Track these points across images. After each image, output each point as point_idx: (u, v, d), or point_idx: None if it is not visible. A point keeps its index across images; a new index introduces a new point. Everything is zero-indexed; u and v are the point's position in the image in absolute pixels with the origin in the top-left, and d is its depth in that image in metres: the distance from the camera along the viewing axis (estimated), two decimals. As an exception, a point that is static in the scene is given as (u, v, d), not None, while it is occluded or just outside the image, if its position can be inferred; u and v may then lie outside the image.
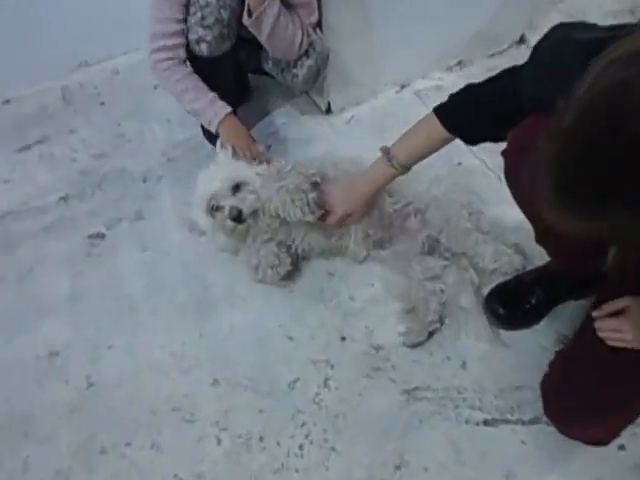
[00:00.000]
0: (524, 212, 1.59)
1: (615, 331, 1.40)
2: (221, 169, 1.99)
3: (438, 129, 1.65)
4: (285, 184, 1.85)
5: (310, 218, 1.86)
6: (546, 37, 1.28)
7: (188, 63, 2.21)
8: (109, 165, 2.66)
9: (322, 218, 1.93)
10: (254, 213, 1.94)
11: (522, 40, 3.05)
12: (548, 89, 1.03)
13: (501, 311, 1.89)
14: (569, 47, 1.17)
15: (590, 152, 0.82)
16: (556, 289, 1.87)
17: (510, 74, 1.47)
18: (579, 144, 0.83)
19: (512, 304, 1.89)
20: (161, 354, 1.97)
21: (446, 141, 1.70)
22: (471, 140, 1.66)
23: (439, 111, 1.66)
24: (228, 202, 1.90)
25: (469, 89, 1.61)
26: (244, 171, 1.98)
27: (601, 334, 1.43)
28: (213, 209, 1.93)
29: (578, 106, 0.82)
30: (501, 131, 1.50)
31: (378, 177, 1.85)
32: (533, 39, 2.91)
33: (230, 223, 1.91)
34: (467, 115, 1.60)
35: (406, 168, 1.80)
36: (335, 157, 2.19)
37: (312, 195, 1.85)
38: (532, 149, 0.91)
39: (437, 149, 1.74)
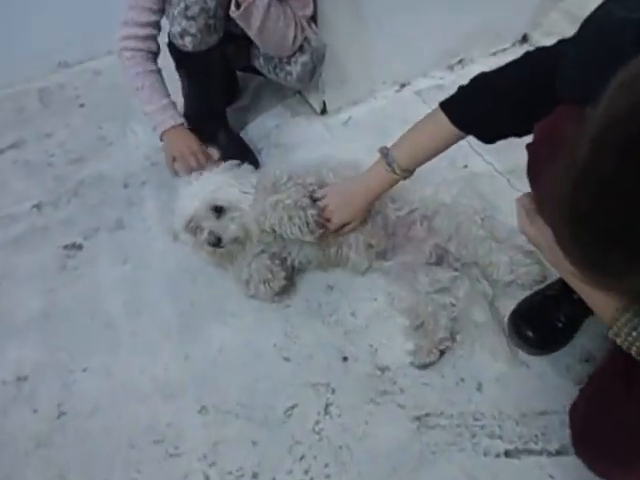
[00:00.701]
0: (545, 216, 1.38)
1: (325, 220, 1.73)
2: (204, 185, 1.85)
3: (445, 127, 1.51)
4: (281, 199, 1.72)
5: (309, 238, 1.76)
6: (593, 14, 1.14)
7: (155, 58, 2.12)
8: (87, 170, 2.56)
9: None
10: (236, 239, 1.84)
11: (525, 39, 2.96)
12: (588, 76, 0.97)
13: (530, 334, 1.71)
14: (616, 28, 1.03)
15: (605, 190, 0.69)
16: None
17: (540, 55, 1.34)
18: (594, 181, 0.70)
19: (541, 325, 1.72)
20: (141, 378, 1.81)
21: (454, 140, 1.56)
22: (487, 137, 1.51)
23: (447, 105, 1.52)
24: (208, 224, 1.80)
25: (482, 77, 1.47)
26: (229, 192, 1.84)
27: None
28: (193, 228, 1.83)
29: (591, 137, 0.69)
30: (523, 124, 1.34)
31: (377, 184, 1.73)
32: (536, 37, 2.92)
33: (209, 248, 1.81)
34: (482, 107, 1.46)
35: (408, 172, 1.67)
36: (332, 162, 2.06)
37: (312, 212, 1.73)
38: (560, 144, 0.75)
39: (443, 150, 1.61)
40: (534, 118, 1.28)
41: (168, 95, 2.11)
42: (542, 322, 1.71)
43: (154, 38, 2.06)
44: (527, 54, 1.39)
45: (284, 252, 1.90)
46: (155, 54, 2.10)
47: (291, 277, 1.98)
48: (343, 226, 1.83)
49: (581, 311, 1.70)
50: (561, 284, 1.74)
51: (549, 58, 1.28)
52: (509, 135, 1.46)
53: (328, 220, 1.80)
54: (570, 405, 1.46)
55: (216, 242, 1.78)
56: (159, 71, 2.12)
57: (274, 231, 1.78)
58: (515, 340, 1.74)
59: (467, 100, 1.48)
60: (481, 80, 1.46)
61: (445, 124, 1.50)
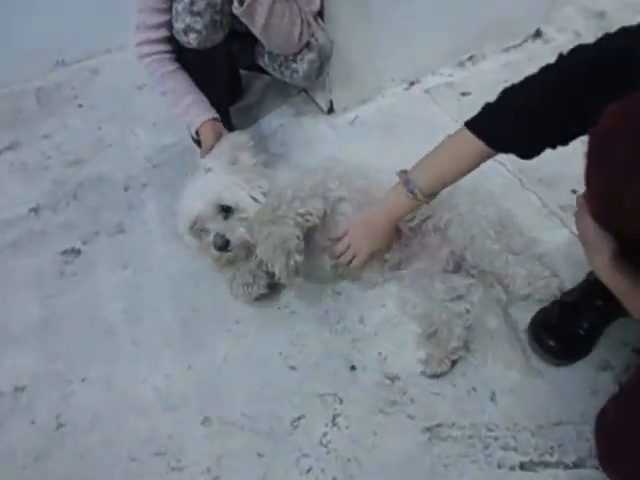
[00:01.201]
0: (603, 211, 1.34)
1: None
2: (210, 184, 1.81)
3: (472, 146, 1.45)
4: (273, 232, 1.70)
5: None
6: None
7: (173, 58, 2.10)
8: (86, 172, 2.55)
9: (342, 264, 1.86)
10: (244, 243, 1.80)
11: (538, 34, 2.92)
12: None
13: (552, 344, 1.68)
14: None
15: None
16: (608, 305, 1.64)
17: (579, 55, 1.29)
18: None
19: (563, 333, 1.68)
20: (142, 388, 1.79)
21: (482, 160, 1.49)
22: (525, 152, 1.44)
23: (475, 124, 1.45)
24: (215, 227, 1.76)
25: (510, 91, 1.39)
26: (237, 193, 1.80)
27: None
28: (198, 231, 1.79)
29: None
30: (565, 131, 1.32)
31: (398, 210, 1.69)
32: (550, 33, 2.90)
33: (215, 252, 1.77)
34: (514, 122, 1.38)
35: (431, 197, 1.62)
36: (338, 169, 2.00)
37: (297, 259, 1.71)
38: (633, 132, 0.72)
39: (468, 171, 1.55)
40: (576, 124, 1.25)
41: (192, 92, 2.09)
42: (564, 331, 1.68)
43: (168, 39, 2.05)
44: (562, 57, 1.33)
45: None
46: (172, 53, 2.09)
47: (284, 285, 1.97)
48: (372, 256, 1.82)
49: (603, 318, 1.68)
50: (581, 291, 1.72)
51: (591, 56, 1.24)
52: (548, 147, 1.39)
53: (355, 255, 1.79)
54: (598, 412, 1.43)
55: (224, 245, 1.74)
56: (179, 69, 2.10)
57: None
58: (537, 350, 1.71)
59: (496, 116, 1.42)
60: (509, 94, 1.40)
61: (472, 143, 1.44)
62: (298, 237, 1.72)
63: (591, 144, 1.23)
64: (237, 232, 1.75)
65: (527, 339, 1.74)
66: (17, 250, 2.24)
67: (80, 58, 3.17)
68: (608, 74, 1.20)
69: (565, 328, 1.68)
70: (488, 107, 1.43)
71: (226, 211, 1.76)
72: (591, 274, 1.72)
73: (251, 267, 1.82)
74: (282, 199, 1.75)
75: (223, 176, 1.81)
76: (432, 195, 1.61)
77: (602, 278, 1.30)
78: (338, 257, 1.82)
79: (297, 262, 1.71)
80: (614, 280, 1.27)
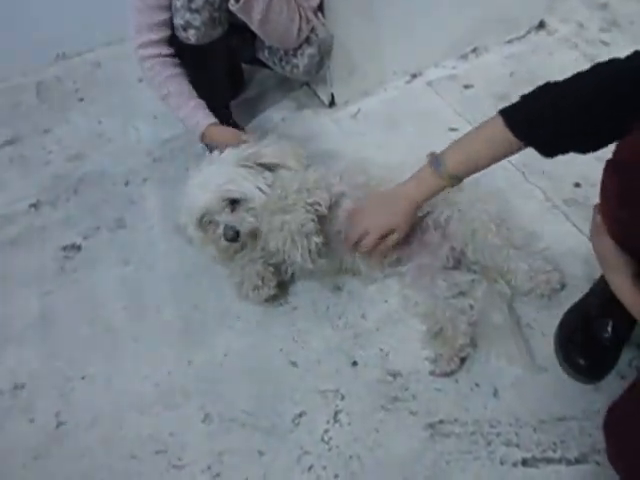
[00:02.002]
0: (622, 235, 1.33)
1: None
2: (216, 176, 1.80)
3: (505, 135, 1.41)
4: (287, 220, 1.69)
5: (309, 266, 1.75)
6: None
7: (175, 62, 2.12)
8: (87, 167, 2.55)
9: (350, 243, 1.79)
10: (252, 232, 1.82)
11: (541, 25, 2.92)
12: None
13: (582, 362, 1.65)
14: None
15: None
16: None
17: (618, 65, 1.25)
18: None
19: (589, 348, 1.66)
20: (143, 386, 1.79)
21: (513, 150, 1.45)
22: (549, 152, 1.41)
23: (508, 114, 1.42)
24: (224, 219, 1.77)
25: (550, 87, 1.36)
26: (243, 184, 1.80)
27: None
28: (206, 223, 1.80)
29: None
30: (594, 140, 1.29)
31: (419, 190, 1.63)
32: (553, 24, 2.90)
33: (224, 243, 1.79)
34: (548, 122, 1.35)
35: (457, 179, 1.57)
36: (340, 166, 2.01)
37: (316, 240, 1.71)
38: None
39: (499, 159, 1.50)
40: (607, 134, 1.23)
41: (194, 96, 2.12)
42: (590, 344, 1.66)
43: (169, 39, 2.05)
44: (598, 65, 1.29)
45: (285, 264, 1.89)
46: (174, 55, 2.09)
47: (292, 280, 1.98)
48: (385, 238, 1.73)
49: (628, 326, 1.66)
50: (602, 300, 1.67)
51: (629, 68, 1.22)
52: (573, 151, 1.35)
53: (367, 232, 1.73)
54: (608, 408, 1.43)
55: (234, 237, 1.76)
56: (182, 73, 2.11)
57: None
58: (567, 370, 1.68)
59: (531, 112, 1.39)
60: (548, 91, 1.36)
61: (503, 131, 1.41)
62: (313, 220, 1.71)
63: (610, 176, 1.22)
64: (245, 222, 1.77)
65: (556, 358, 1.71)
66: (17, 246, 2.24)
67: (81, 51, 3.17)
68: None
69: (590, 340, 1.66)
70: (524, 99, 1.41)
71: (233, 203, 1.77)
72: (602, 280, 1.69)
73: (258, 269, 1.82)
74: (289, 190, 1.75)
75: (227, 168, 1.81)
76: (458, 178, 1.57)
77: (622, 299, 1.30)
78: (349, 240, 1.77)
79: (317, 244, 1.71)
80: (635, 301, 1.26)
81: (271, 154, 1.86)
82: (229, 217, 1.76)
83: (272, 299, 1.90)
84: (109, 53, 3.15)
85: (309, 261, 1.72)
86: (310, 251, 1.70)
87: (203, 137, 2.11)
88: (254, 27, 2.02)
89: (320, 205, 1.75)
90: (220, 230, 1.76)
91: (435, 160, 1.56)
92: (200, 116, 2.09)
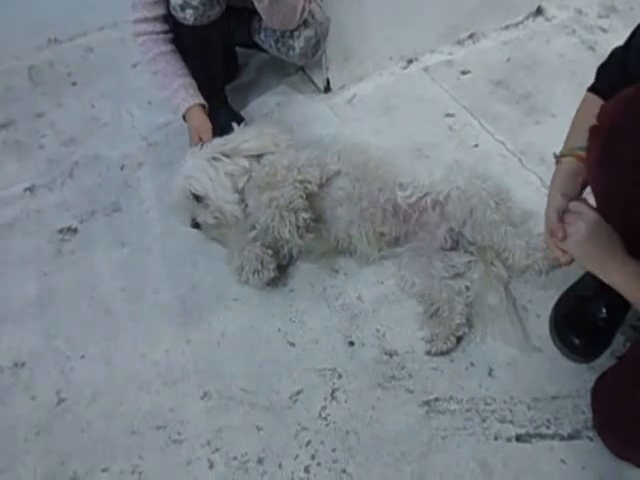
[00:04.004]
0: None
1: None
2: (186, 170, 1.98)
3: (598, 105, 1.36)
4: (275, 197, 1.78)
5: (299, 241, 1.85)
6: None
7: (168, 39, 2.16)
8: (81, 152, 2.57)
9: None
10: (213, 225, 1.99)
11: (539, 11, 2.96)
12: None
13: (576, 341, 1.70)
14: None
15: None
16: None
17: None
18: None
19: (583, 328, 1.71)
20: (142, 364, 1.84)
21: None
22: None
23: (594, 85, 1.48)
24: (191, 209, 1.99)
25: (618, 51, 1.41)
26: (200, 179, 1.94)
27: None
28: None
29: None
30: None
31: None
32: (551, 10, 2.94)
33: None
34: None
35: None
36: (337, 144, 2.07)
37: (304, 216, 1.80)
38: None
39: None
40: None
41: (182, 75, 2.17)
42: (584, 324, 1.70)
43: (164, 17, 2.09)
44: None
45: (279, 243, 1.94)
46: (167, 32, 2.13)
47: (290, 262, 2.03)
48: None
49: (623, 307, 1.70)
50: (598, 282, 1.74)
51: None
52: None
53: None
54: (596, 379, 1.52)
55: (195, 226, 1.99)
56: (172, 51, 2.16)
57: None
58: (562, 349, 1.73)
59: (608, 76, 1.42)
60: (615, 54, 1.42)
61: (598, 103, 1.36)
62: (301, 197, 1.78)
63: (593, 141, 1.28)
64: (202, 216, 1.96)
65: (551, 338, 1.76)
66: (14, 229, 2.26)
67: (73, 36, 3.17)
68: None
69: (584, 320, 1.70)
70: (602, 68, 1.47)
71: (196, 197, 1.92)
72: None
73: (257, 252, 1.88)
74: (278, 167, 1.84)
75: (197, 163, 1.96)
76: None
77: (624, 289, 1.30)
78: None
79: (306, 219, 1.79)
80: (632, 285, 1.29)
81: (249, 148, 1.97)
82: (194, 208, 1.96)
83: (272, 282, 1.95)
84: (101, 38, 3.16)
85: (297, 236, 1.80)
86: (298, 227, 1.77)
87: (185, 120, 2.19)
88: (262, 5, 2.05)
89: (310, 182, 1.82)
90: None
91: (555, 156, 1.55)
92: (181, 98, 2.15)
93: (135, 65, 2.90)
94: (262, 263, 1.88)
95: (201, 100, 2.19)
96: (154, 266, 2.09)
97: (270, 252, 1.90)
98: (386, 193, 1.90)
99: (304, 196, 1.80)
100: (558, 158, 1.55)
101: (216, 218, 1.95)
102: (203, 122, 2.19)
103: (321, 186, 1.88)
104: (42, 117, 2.76)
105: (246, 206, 1.96)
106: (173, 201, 2.02)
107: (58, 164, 2.52)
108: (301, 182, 1.81)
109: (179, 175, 1.97)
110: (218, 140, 2.02)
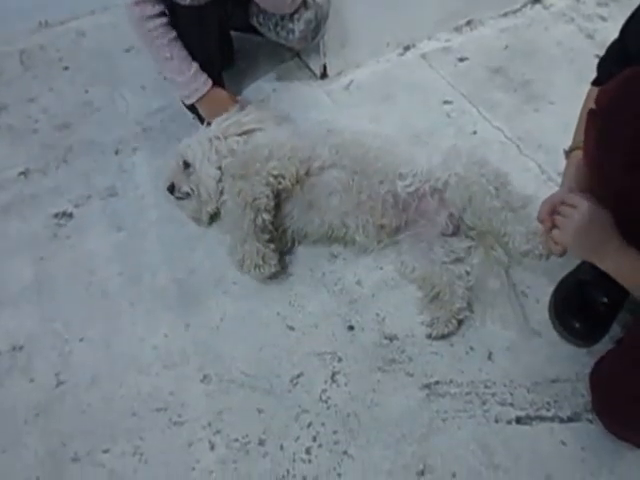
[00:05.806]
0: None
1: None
2: (186, 140, 2.13)
3: None
4: (244, 189, 1.85)
5: (252, 238, 1.90)
6: None
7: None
8: (75, 136, 2.58)
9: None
10: (188, 194, 2.09)
11: None
12: None
13: (577, 325, 1.74)
14: None
15: None
16: None
17: None
18: None
19: (583, 312, 1.75)
20: (141, 347, 1.86)
21: None
22: None
23: (597, 79, 1.54)
24: (175, 174, 2.10)
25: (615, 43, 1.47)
26: (195, 150, 2.06)
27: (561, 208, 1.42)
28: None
29: None
30: None
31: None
32: None
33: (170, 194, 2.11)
34: None
35: None
36: (336, 139, 2.06)
37: (264, 217, 1.88)
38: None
39: None
40: None
41: (192, 59, 2.21)
42: (585, 309, 1.74)
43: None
44: None
45: (277, 223, 1.98)
46: (166, 16, 2.13)
47: (292, 247, 2.07)
48: None
49: (621, 294, 1.73)
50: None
51: None
52: None
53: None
54: (596, 361, 1.56)
55: (170, 188, 2.09)
56: (177, 35, 2.17)
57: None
58: (562, 333, 1.77)
59: (613, 70, 1.38)
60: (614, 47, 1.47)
61: None
62: (268, 196, 1.84)
63: (590, 123, 1.33)
64: (182, 183, 2.07)
65: (550, 322, 1.81)
66: (9, 213, 2.27)
67: (64, 19, 3.17)
68: None
69: (585, 305, 1.75)
70: (602, 62, 1.52)
71: (185, 165, 2.03)
72: None
73: (258, 246, 1.88)
74: (257, 156, 1.88)
75: (199, 136, 2.09)
76: None
77: (615, 274, 1.36)
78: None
79: (265, 220, 1.85)
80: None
81: (249, 121, 2.06)
82: (178, 175, 2.08)
83: (275, 276, 1.97)
84: (93, 22, 3.16)
85: (252, 234, 1.87)
86: (255, 225, 1.84)
87: (199, 103, 2.24)
88: None
89: (284, 178, 1.87)
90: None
91: (566, 152, 1.61)
92: (201, 81, 2.22)
93: (128, 50, 2.91)
94: (263, 258, 1.89)
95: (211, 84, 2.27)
96: (151, 251, 2.11)
97: (272, 247, 1.92)
98: (386, 185, 1.92)
99: (271, 195, 1.85)
100: (567, 153, 1.60)
101: (191, 190, 2.05)
102: (229, 94, 2.30)
103: (310, 175, 1.94)
104: (34, 102, 2.76)
105: (222, 189, 2.02)
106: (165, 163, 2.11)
107: (52, 149, 2.52)
108: (275, 177, 1.85)
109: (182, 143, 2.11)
110: (222, 117, 2.11)
